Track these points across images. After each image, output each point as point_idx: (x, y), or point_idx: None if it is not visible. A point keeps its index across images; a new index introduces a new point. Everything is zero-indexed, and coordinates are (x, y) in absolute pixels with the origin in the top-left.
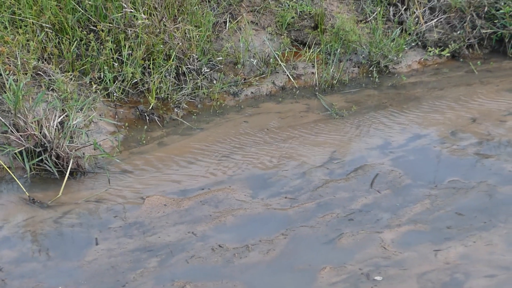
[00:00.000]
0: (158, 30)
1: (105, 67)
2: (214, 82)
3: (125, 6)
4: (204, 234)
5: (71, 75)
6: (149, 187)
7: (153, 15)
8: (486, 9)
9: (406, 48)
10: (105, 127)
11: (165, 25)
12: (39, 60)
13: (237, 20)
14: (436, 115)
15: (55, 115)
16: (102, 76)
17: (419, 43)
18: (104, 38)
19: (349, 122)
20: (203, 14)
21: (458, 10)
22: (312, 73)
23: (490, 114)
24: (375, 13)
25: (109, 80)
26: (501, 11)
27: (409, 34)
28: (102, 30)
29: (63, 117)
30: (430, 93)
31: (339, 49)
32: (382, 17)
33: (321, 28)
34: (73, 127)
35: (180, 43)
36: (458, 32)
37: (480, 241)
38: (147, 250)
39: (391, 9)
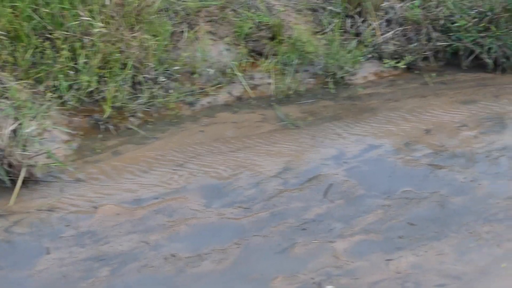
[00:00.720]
0: (115, 38)
1: (60, 75)
2: (171, 91)
3: (82, 14)
4: (157, 243)
5: (25, 83)
6: (103, 196)
7: (110, 23)
8: (441, 22)
9: (362, 60)
10: (59, 136)
11: (122, 34)
12: None
13: (194, 30)
14: (391, 126)
15: (8, 123)
16: (57, 84)
17: (375, 55)
18: (60, 46)
19: (304, 132)
20: (160, 23)
21: (414, 22)
22: (269, 83)
23: (443, 126)
24: (332, 25)
25: (64, 89)
26: (456, 24)
27: (366, 46)
28: (58, 38)
29: (16, 125)
30: (385, 105)
31: (296, 60)
32: (339, 29)
33: (279, 39)
34: (26, 135)
35: (137, 52)
36: (414, 45)
37: (431, 250)
38: (99, 259)
39: (348, 21)
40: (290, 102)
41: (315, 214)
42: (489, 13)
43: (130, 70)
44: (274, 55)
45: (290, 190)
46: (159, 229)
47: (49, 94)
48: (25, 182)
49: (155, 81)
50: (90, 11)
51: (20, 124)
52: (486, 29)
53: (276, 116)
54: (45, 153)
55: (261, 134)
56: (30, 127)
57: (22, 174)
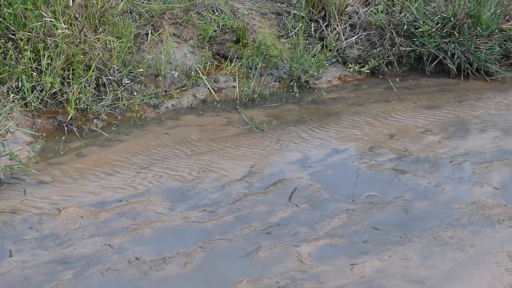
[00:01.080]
0: (78, 40)
1: (23, 77)
2: (135, 93)
3: (45, 15)
4: (121, 246)
5: None
6: (66, 198)
7: (74, 25)
8: (405, 27)
9: (326, 64)
10: (22, 137)
11: (86, 36)
12: None
13: (159, 32)
14: (355, 131)
15: None
16: (20, 85)
17: (340, 59)
18: (23, 47)
19: (269, 136)
20: (124, 25)
21: (378, 27)
22: (233, 86)
23: (407, 131)
24: (297, 29)
25: (27, 90)
26: (419, 29)
27: (330, 50)
28: (21, 39)
29: None
30: (350, 109)
31: (260, 64)
32: (304, 33)
33: (243, 42)
34: None
35: (101, 54)
36: (378, 49)
37: (395, 255)
38: (62, 262)
39: (312, 25)
40: (255, 105)
41: (280, 218)
42: (452, 19)
43: (94, 71)
44: (238, 58)
45: (254, 194)
46: (123, 232)
47: (12, 95)
48: None
49: (119, 83)
50: (53, 12)
51: None
52: (449, 34)
53: (241, 120)
54: (7, 154)
55: (225, 138)
56: None
57: None
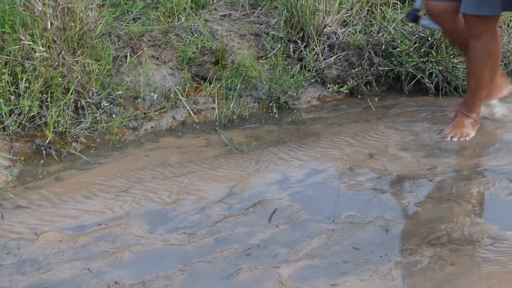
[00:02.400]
0: (56, 63)
1: (1, 100)
2: (114, 116)
3: (23, 38)
4: (100, 270)
5: None
6: (44, 222)
7: (52, 48)
8: (383, 47)
9: (305, 85)
10: (0, 161)
11: (64, 58)
12: None
13: (137, 55)
14: (334, 151)
15: None
16: None
17: (319, 79)
18: (1, 70)
19: (248, 157)
20: (103, 47)
21: (356, 47)
22: (213, 108)
23: (386, 150)
24: (275, 50)
25: (5, 113)
26: (397, 49)
27: (309, 70)
28: None
29: None
30: (329, 129)
31: (239, 85)
32: (282, 54)
33: (222, 63)
34: None
35: (79, 77)
36: (357, 69)
37: (376, 275)
38: (40, 287)
39: (291, 45)
40: (234, 126)
41: (260, 239)
42: (429, 38)
43: (72, 94)
44: (217, 79)
45: (234, 215)
46: (102, 256)
47: None
48: None
49: (98, 105)
50: (31, 35)
51: None
52: (427, 54)
53: (220, 141)
54: None
55: (205, 159)
56: None
57: None
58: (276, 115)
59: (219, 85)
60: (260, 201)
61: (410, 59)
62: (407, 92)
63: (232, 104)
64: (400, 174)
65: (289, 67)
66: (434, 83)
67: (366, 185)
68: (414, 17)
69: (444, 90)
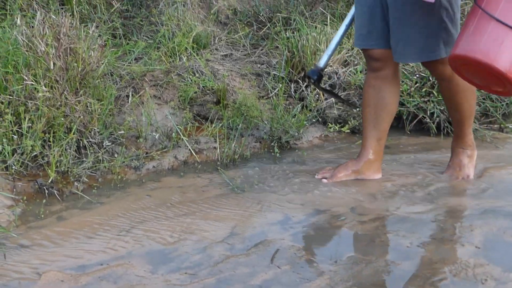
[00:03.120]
0: (59, 103)
1: (4, 140)
2: (116, 155)
3: (26, 78)
4: None
5: None
6: (46, 262)
7: (55, 88)
8: None
9: (307, 124)
10: (2, 201)
11: (67, 98)
12: None
13: (139, 94)
14: (337, 191)
15: None
16: (0, 148)
17: (320, 119)
18: (4, 110)
19: (250, 197)
20: (105, 87)
21: (357, 87)
22: (214, 147)
23: (389, 190)
24: (277, 89)
25: (8, 153)
26: None
27: (310, 110)
28: (2, 102)
29: None
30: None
31: (241, 124)
32: (284, 94)
33: (223, 103)
34: None
35: (82, 116)
36: (358, 109)
37: None
38: None
39: (292, 85)
40: (236, 166)
41: (262, 280)
42: (430, 78)
43: (74, 134)
44: (219, 119)
45: (236, 256)
46: None
47: None
48: None
49: (100, 145)
50: (34, 75)
51: None
52: (428, 93)
53: (222, 181)
54: None
55: (207, 199)
56: None
57: None
58: (278, 154)
59: (220, 124)
60: (262, 241)
61: (411, 99)
62: (408, 132)
63: (233, 144)
64: (401, 215)
65: (291, 106)
66: (435, 123)
67: (368, 226)
68: (317, 77)
69: (445, 130)
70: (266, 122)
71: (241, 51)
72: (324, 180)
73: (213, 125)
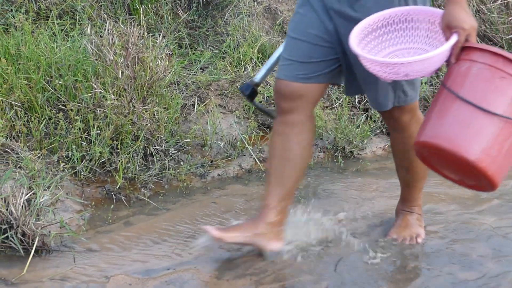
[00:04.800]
0: (127, 111)
1: (73, 146)
2: (181, 163)
3: (95, 86)
4: None
5: (39, 153)
6: (114, 266)
7: (123, 96)
8: None
9: (371, 135)
10: (72, 206)
11: (134, 106)
12: (7, 137)
13: (205, 103)
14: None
15: (22, 193)
16: (70, 155)
17: (384, 130)
18: (73, 118)
19: (316, 205)
20: (171, 96)
21: (422, 98)
22: None
23: (455, 197)
24: (341, 100)
25: (77, 159)
26: None
27: (374, 121)
28: (71, 110)
29: (30, 195)
30: (393, 179)
31: None
32: (348, 104)
33: None
34: (40, 205)
35: (149, 124)
36: None
37: None
38: None
39: (356, 96)
40: None
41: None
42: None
43: (141, 141)
44: None
45: (300, 263)
46: None
47: (62, 165)
48: (38, 251)
49: (166, 153)
50: (103, 83)
51: (34, 193)
52: None
53: None
54: (58, 222)
55: None
56: (44, 197)
57: (35, 243)
58: (342, 164)
59: None
60: (323, 249)
61: None
62: None
63: None
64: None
65: (355, 117)
66: None
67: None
68: (250, 93)
69: None
70: (330, 132)
71: None
72: (214, 233)
73: None
